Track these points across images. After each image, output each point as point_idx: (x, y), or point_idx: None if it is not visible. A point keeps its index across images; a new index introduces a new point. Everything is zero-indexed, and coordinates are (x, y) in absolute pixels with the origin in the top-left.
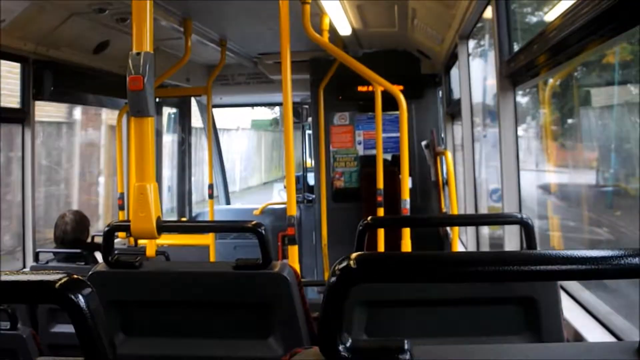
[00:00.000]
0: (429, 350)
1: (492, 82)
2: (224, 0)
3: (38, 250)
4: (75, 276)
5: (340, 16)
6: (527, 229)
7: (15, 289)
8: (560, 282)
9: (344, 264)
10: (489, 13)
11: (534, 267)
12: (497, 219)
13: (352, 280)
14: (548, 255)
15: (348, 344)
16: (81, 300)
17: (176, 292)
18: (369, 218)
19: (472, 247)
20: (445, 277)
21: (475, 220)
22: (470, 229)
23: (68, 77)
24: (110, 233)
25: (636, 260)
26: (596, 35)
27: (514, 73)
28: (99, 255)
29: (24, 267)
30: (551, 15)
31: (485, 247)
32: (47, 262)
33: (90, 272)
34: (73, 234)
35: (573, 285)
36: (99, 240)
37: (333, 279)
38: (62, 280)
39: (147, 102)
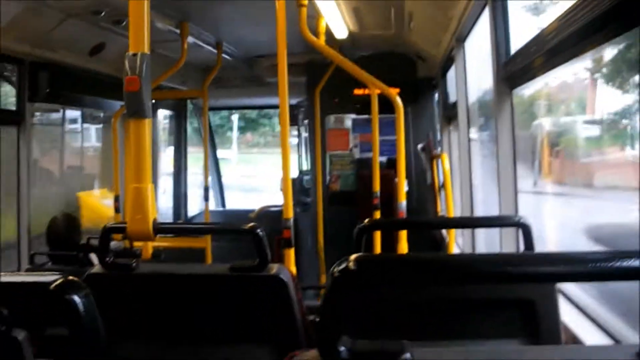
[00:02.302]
0: (429, 353)
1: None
2: (220, 3)
3: (33, 252)
4: (71, 278)
5: (336, 19)
6: (525, 231)
7: (11, 290)
8: (558, 285)
9: (344, 265)
10: (486, 16)
11: (533, 269)
12: (494, 222)
13: (352, 282)
14: (547, 257)
15: (348, 347)
16: (77, 301)
17: (172, 295)
18: (366, 221)
19: (468, 251)
20: (445, 278)
21: (472, 222)
22: (467, 233)
23: (64, 79)
24: (105, 235)
25: (635, 262)
26: (593, 38)
27: (510, 76)
28: (94, 258)
29: (19, 269)
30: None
31: (481, 250)
32: (42, 265)
33: (86, 274)
34: (66, 236)
35: (571, 289)
36: (94, 242)
37: (332, 280)
38: (58, 282)
39: (144, 103)
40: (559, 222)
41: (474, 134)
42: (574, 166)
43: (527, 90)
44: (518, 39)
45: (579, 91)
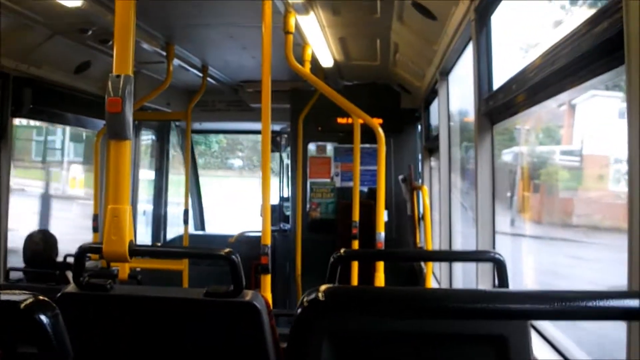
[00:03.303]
0: None
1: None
2: (206, 27)
3: (9, 267)
4: (41, 297)
5: (322, 48)
6: (499, 267)
7: None
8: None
9: (313, 295)
10: (469, 51)
11: (506, 306)
12: (470, 256)
13: (320, 312)
14: (520, 294)
15: None
16: (46, 322)
17: (147, 317)
18: (342, 251)
19: (445, 283)
20: (416, 312)
21: (449, 256)
22: (445, 265)
23: (48, 95)
24: (81, 254)
25: (609, 302)
26: (575, 77)
27: (492, 111)
28: (70, 276)
29: None
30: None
31: (458, 283)
32: (17, 281)
33: (60, 293)
34: (43, 253)
35: (543, 323)
36: (71, 260)
37: (300, 310)
38: (28, 301)
39: (125, 125)
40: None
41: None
42: (555, 203)
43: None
44: (500, 75)
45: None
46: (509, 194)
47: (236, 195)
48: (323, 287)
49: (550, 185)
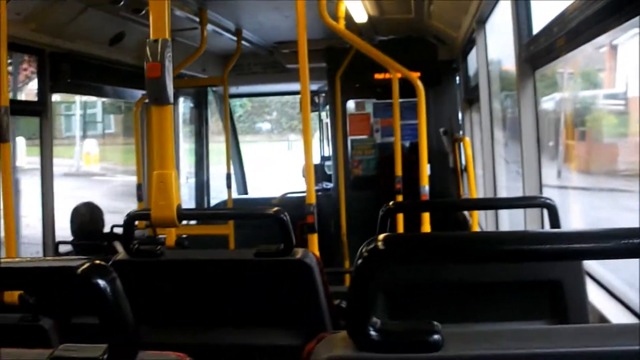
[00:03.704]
0: (458, 332)
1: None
2: None
3: (58, 241)
4: (98, 262)
5: (356, 3)
6: (551, 211)
7: (36, 275)
8: (585, 266)
9: (372, 245)
10: None
11: (561, 246)
12: (518, 202)
13: (381, 262)
14: (575, 234)
15: (377, 327)
16: (104, 286)
17: (198, 281)
18: (391, 203)
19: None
20: (473, 257)
21: (496, 203)
22: (490, 216)
23: (84, 69)
24: (130, 222)
25: None
26: (614, 18)
27: (533, 56)
28: (118, 246)
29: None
30: None
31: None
32: (67, 254)
33: (111, 261)
34: (89, 225)
35: (598, 270)
36: (118, 230)
37: (360, 260)
38: (85, 266)
39: (166, 89)
40: None
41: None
42: (603, 150)
43: None
44: (540, 19)
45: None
46: (551, 144)
47: (267, 159)
48: (382, 236)
49: (597, 132)
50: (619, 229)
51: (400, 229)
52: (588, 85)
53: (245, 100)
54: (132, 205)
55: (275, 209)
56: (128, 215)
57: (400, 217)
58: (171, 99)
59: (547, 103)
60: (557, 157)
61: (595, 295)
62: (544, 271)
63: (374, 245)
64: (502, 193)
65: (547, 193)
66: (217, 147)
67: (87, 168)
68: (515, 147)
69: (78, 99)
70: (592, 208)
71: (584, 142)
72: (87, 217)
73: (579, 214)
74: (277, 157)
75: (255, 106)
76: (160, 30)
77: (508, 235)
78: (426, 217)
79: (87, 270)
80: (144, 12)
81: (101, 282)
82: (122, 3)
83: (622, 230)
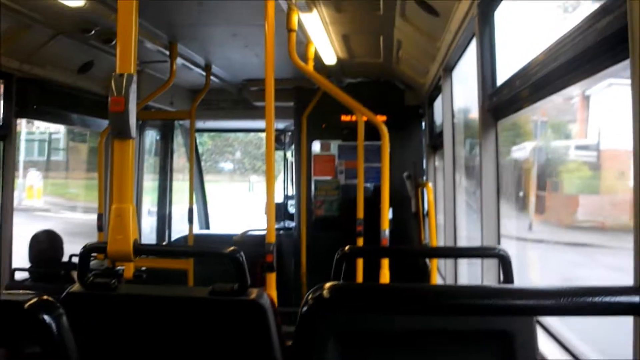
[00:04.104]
0: None
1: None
2: (210, 25)
3: (14, 268)
4: (45, 297)
5: (325, 46)
6: (504, 263)
7: None
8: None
9: (318, 293)
10: (473, 47)
11: (511, 302)
12: (475, 252)
13: (325, 310)
14: (525, 290)
15: None
16: (50, 322)
17: (151, 317)
18: (347, 247)
19: (450, 279)
20: (420, 309)
21: (453, 252)
22: (450, 262)
23: (52, 95)
24: (86, 254)
25: (615, 298)
26: (578, 72)
27: (496, 107)
28: (74, 274)
29: None
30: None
31: (463, 280)
32: (23, 281)
33: (65, 293)
34: (48, 253)
35: (549, 319)
36: (75, 260)
37: (305, 307)
38: (32, 302)
39: (128, 123)
40: None
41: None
42: (577, 202)
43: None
44: (504, 71)
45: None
46: (522, 194)
47: (229, 198)
48: (328, 285)
49: (570, 184)
50: (567, 287)
51: (359, 272)
52: (559, 135)
53: (206, 137)
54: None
55: (232, 248)
56: (84, 247)
57: (359, 260)
58: (133, 134)
59: (519, 152)
60: (527, 208)
61: (546, 347)
62: (494, 322)
63: (320, 293)
64: (462, 240)
65: (517, 247)
66: (181, 184)
67: (30, 202)
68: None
69: (23, 124)
70: (570, 264)
71: (556, 194)
72: (45, 244)
73: (557, 272)
74: (238, 197)
75: (218, 144)
76: (127, 65)
77: (456, 289)
78: (385, 262)
79: (34, 306)
80: (114, 42)
81: (47, 318)
82: (92, 32)
83: (569, 288)
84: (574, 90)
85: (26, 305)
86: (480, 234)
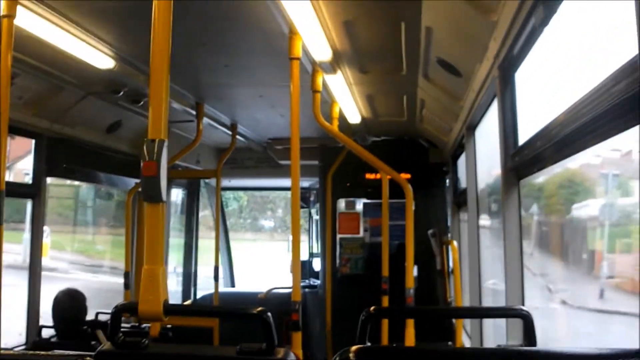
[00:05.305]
0: None
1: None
2: (236, 86)
3: (41, 325)
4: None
5: (350, 105)
6: (527, 323)
7: None
8: None
9: (344, 356)
10: (495, 107)
11: None
12: (498, 312)
13: None
14: (546, 353)
15: None
16: None
17: None
18: (372, 308)
19: (475, 338)
20: None
21: (476, 312)
22: (475, 320)
23: (80, 154)
24: (117, 314)
25: None
26: (601, 132)
27: (518, 166)
28: (101, 335)
29: (27, 341)
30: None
31: (489, 337)
32: (49, 338)
33: (96, 352)
34: (72, 312)
35: None
36: (101, 317)
37: None
38: None
39: (160, 187)
40: None
41: (485, 220)
42: None
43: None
44: (528, 129)
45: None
46: (584, 256)
47: (267, 260)
48: (354, 348)
49: None
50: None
51: (385, 331)
52: (623, 192)
53: (241, 193)
54: None
55: (260, 309)
56: (116, 307)
57: (385, 319)
58: (164, 197)
59: (581, 210)
60: (593, 273)
61: None
62: None
63: (346, 356)
64: (488, 299)
65: (594, 320)
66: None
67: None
68: (540, 257)
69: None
70: None
71: (629, 257)
72: (67, 304)
73: None
74: (277, 256)
75: (258, 201)
76: (158, 131)
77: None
78: (410, 321)
79: None
80: (142, 103)
81: None
82: (121, 93)
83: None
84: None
85: None
86: (505, 294)
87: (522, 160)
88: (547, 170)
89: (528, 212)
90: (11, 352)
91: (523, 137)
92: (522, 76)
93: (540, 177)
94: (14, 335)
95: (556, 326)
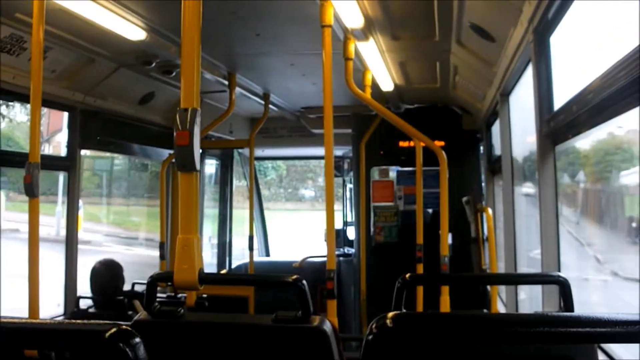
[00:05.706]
0: None
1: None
2: (268, 55)
3: (79, 295)
4: (124, 327)
5: (382, 72)
6: (564, 289)
7: (66, 337)
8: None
9: (381, 322)
10: (529, 72)
11: (572, 330)
12: (534, 279)
13: (389, 338)
14: (585, 318)
15: None
16: (129, 351)
17: (216, 344)
18: (407, 276)
19: (511, 304)
20: (481, 338)
21: (512, 279)
22: (511, 287)
23: (113, 127)
24: (152, 284)
25: None
26: (636, 97)
27: (553, 132)
28: (138, 305)
29: (65, 312)
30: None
31: (524, 304)
32: (87, 309)
33: (133, 321)
34: (109, 282)
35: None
36: (138, 288)
37: (370, 336)
38: (112, 331)
39: (193, 157)
40: None
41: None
42: None
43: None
44: (563, 94)
45: None
46: (634, 224)
47: (306, 230)
48: (391, 314)
49: None
50: (624, 315)
51: (420, 299)
52: None
53: (280, 162)
54: None
55: (295, 276)
56: (151, 277)
57: (420, 287)
58: (198, 166)
59: (629, 177)
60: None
61: None
62: (556, 348)
63: (383, 322)
64: (523, 265)
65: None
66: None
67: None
68: (586, 226)
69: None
70: None
71: None
72: (106, 274)
73: None
74: (317, 225)
75: (298, 170)
76: (191, 100)
77: (516, 318)
78: (445, 288)
79: (114, 335)
80: (174, 74)
81: (126, 348)
82: (153, 65)
83: (626, 316)
84: None
85: (107, 334)
86: (541, 261)
87: (557, 126)
88: (593, 136)
89: (574, 180)
90: (50, 321)
91: (558, 103)
92: (558, 40)
93: (587, 144)
94: (53, 307)
95: (610, 300)
